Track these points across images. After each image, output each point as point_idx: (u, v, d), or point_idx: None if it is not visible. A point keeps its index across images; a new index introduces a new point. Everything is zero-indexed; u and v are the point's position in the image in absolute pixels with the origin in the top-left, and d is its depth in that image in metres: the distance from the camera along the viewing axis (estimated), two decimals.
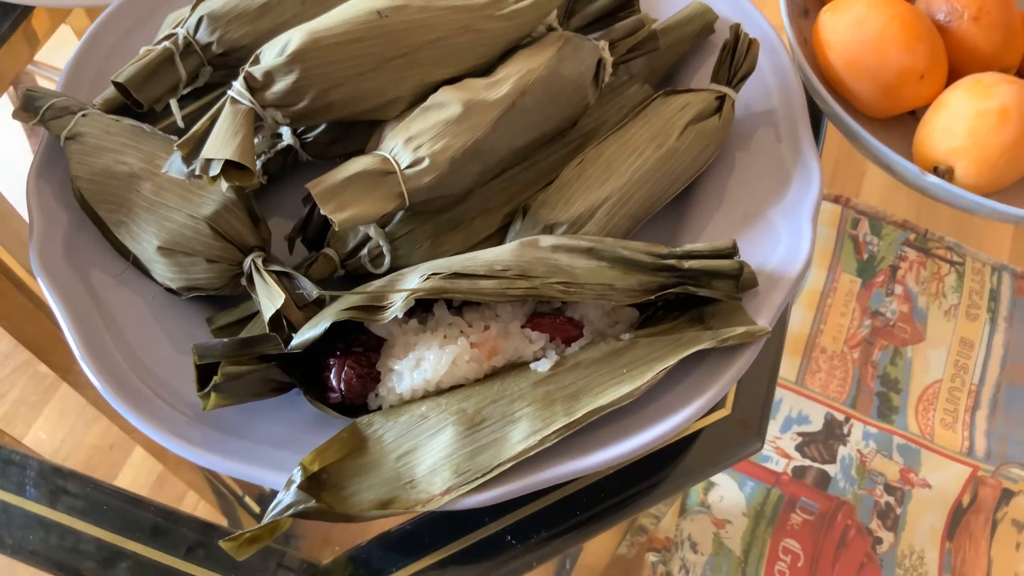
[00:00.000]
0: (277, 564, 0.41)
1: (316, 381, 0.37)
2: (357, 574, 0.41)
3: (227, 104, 0.38)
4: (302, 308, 0.38)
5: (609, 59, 0.44)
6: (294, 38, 0.38)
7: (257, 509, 0.44)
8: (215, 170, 0.37)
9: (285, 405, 0.38)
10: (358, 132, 0.43)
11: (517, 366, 0.37)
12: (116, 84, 0.42)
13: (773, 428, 0.47)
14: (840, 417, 0.48)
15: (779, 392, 0.48)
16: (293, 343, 0.36)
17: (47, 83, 0.59)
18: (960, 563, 0.44)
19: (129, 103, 0.43)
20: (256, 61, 0.39)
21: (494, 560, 0.41)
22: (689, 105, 0.44)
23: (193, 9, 0.44)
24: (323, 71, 0.38)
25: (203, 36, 0.43)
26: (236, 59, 0.43)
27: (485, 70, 0.42)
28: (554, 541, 0.41)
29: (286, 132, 0.44)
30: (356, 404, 0.37)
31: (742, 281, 0.38)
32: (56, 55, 0.61)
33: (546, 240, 0.38)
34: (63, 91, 0.47)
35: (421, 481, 0.34)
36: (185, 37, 0.43)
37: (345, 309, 0.36)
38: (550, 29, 0.44)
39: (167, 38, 0.43)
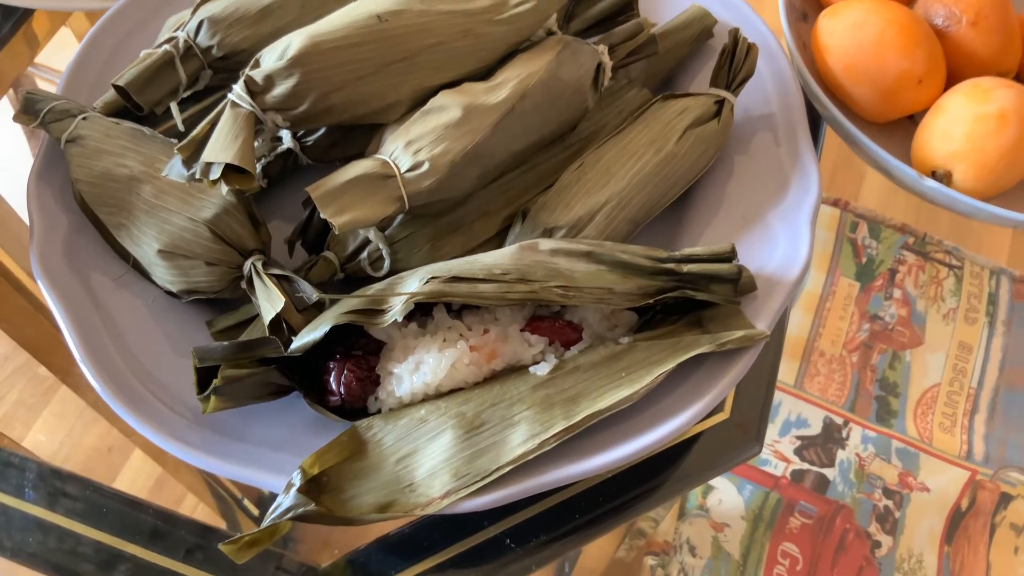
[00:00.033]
0: (276, 567, 0.41)
1: (316, 384, 0.38)
2: None
3: (227, 108, 0.38)
4: (302, 311, 0.38)
5: (608, 63, 0.44)
6: (294, 42, 0.38)
7: (256, 512, 0.44)
8: (215, 173, 0.37)
9: (285, 408, 0.38)
10: (358, 136, 0.44)
11: (516, 369, 0.37)
12: (116, 87, 0.42)
13: (772, 432, 0.47)
14: (839, 421, 0.48)
15: (778, 396, 0.48)
16: (293, 346, 0.36)
17: (47, 85, 0.59)
18: (959, 567, 0.44)
19: (129, 106, 0.43)
20: (256, 65, 0.39)
21: (493, 563, 0.41)
22: (688, 109, 0.44)
23: (194, 12, 0.44)
24: (323, 75, 0.38)
25: (203, 39, 0.43)
26: (236, 63, 0.44)
27: (485, 74, 0.42)
28: (553, 544, 0.41)
29: (286, 135, 0.44)
30: (356, 407, 0.37)
31: (741, 285, 0.38)
32: (56, 58, 0.61)
33: (545, 244, 0.38)
34: (63, 94, 0.47)
35: (420, 484, 0.34)
36: (186, 40, 0.43)
37: (345, 312, 0.36)
38: (549, 33, 0.44)
39: (167, 41, 0.43)
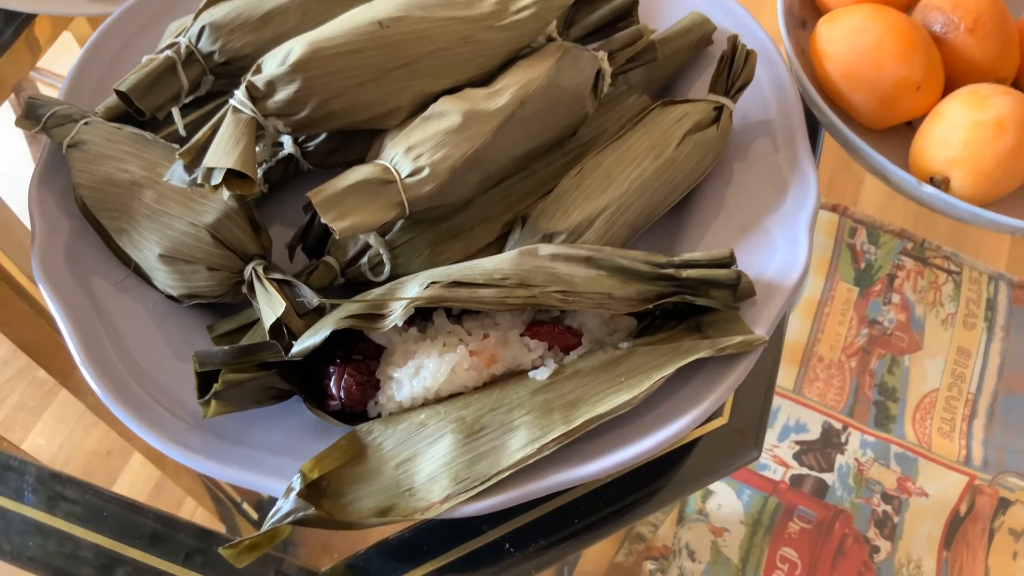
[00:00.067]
0: (276, 571, 0.41)
1: (316, 388, 0.38)
2: None
3: (229, 113, 0.38)
4: (302, 316, 0.38)
5: (608, 69, 0.44)
6: (296, 48, 0.38)
7: (255, 516, 0.44)
8: (217, 179, 0.37)
9: (285, 412, 0.38)
10: (359, 141, 0.44)
11: (516, 374, 0.37)
12: (118, 92, 0.42)
13: (771, 436, 0.47)
14: (838, 426, 0.48)
15: (777, 400, 0.48)
16: (293, 351, 0.36)
17: (49, 90, 0.59)
18: (957, 572, 0.44)
19: (131, 111, 0.43)
20: (258, 70, 0.39)
21: (492, 568, 0.41)
22: (687, 115, 0.44)
23: (195, 18, 0.44)
24: (324, 81, 0.38)
25: (205, 45, 0.43)
26: (238, 68, 0.44)
27: (485, 80, 0.42)
28: (552, 549, 0.41)
29: (287, 141, 0.45)
30: (356, 412, 0.38)
31: (740, 290, 0.39)
32: (58, 62, 0.61)
33: (545, 249, 0.38)
34: (65, 99, 0.47)
35: (420, 489, 0.35)
36: (187, 46, 0.43)
37: (345, 317, 0.36)
38: (549, 39, 0.44)
39: (169, 47, 0.43)
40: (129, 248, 0.42)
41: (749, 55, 0.45)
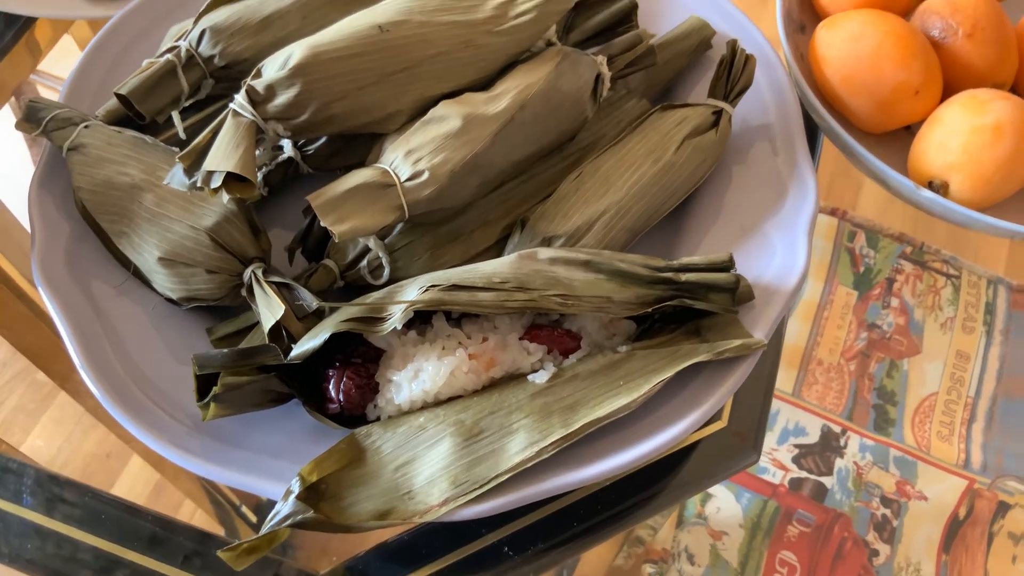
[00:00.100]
0: (274, 574, 0.41)
1: (315, 392, 0.38)
2: None
3: (229, 117, 0.38)
4: (302, 319, 0.38)
5: (607, 74, 0.44)
6: (296, 52, 0.39)
7: (254, 519, 0.44)
8: (216, 182, 0.37)
9: (284, 415, 0.38)
10: (359, 145, 0.44)
11: (515, 378, 0.37)
12: (119, 96, 0.42)
13: (770, 440, 0.47)
14: (837, 429, 0.48)
15: (776, 404, 0.48)
16: (292, 354, 0.36)
17: (49, 93, 0.59)
18: None
19: (131, 115, 0.43)
20: (258, 74, 0.39)
21: (491, 571, 0.41)
22: (686, 120, 0.44)
23: (196, 22, 0.44)
24: (324, 85, 0.38)
25: (205, 49, 0.43)
26: (238, 72, 0.44)
27: (485, 84, 0.42)
28: (551, 552, 0.41)
29: (287, 144, 0.45)
30: (355, 415, 0.38)
31: (738, 294, 0.39)
32: (59, 66, 0.61)
33: (544, 253, 0.38)
34: (66, 102, 0.47)
35: (419, 492, 0.35)
36: (188, 50, 0.43)
37: (344, 320, 0.36)
38: (549, 44, 0.44)
39: (170, 51, 0.43)
40: (129, 251, 0.42)
41: (748, 60, 0.45)
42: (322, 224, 0.37)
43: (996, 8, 0.50)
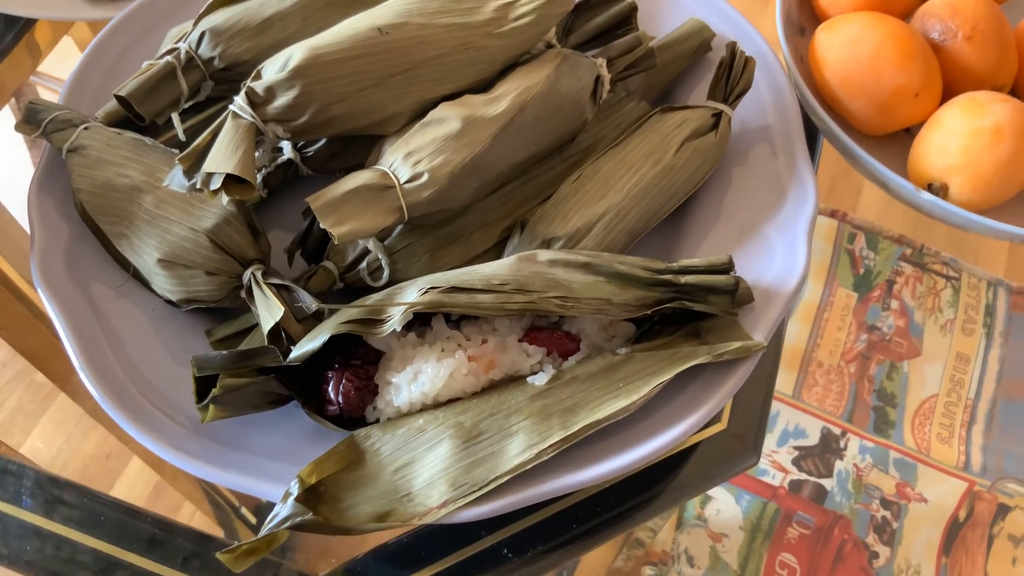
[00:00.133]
0: None
1: (314, 394, 0.38)
2: None
3: (228, 118, 0.38)
4: (301, 321, 0.38)
5: (607, 76, 0.44)
6: (295, 54, 0.39)
7: (254, 520, 0.44)
8: (216, 184, 0.37)
9: (283, 417, 0.38)
10: (358, 147, 0.44)
11: (514, 380, 0.37)
12: (118, 97, 0.42)
13: (770, 442, 0.47)
14: (836, 431, 0.48)
15: (776, 406, 0.48)
16: (292, 356, 0.36)
17: (49, 95, 0.60)
18: None
19: (131, 116, 0.43)
20: (258, 76, 0.39)
21: (491, 573, 0.41)
22: (686, 122, 0.44)
23: (195, 24, 0.44)
24: (324, 87, 0.39)
25: (205, 51, 0.43)
26: (238, 74, 0.44)
27: (484, 86, 0.42)
28: (550, 554, 0.41)
29: (287, 146, 0.45)
30: (354, 417, 0.38)
31: (738, 296, 0.39)
32: (59, 67, 0.61)
33: (544, 255, 0.38)
34: (65, 104, 0.47)
35: (418, 494, 0.35)
36: (187, 52, 0.43)
37: (344, 322, 0.36)
38: (549, 46, 0.44)
39: (169, 52, 0.43)
40: (128, 253, 0.42)
41: (748, 62, 0.45)
42: (321, 226, 0.37)
43: (995, 11, 0.50)
